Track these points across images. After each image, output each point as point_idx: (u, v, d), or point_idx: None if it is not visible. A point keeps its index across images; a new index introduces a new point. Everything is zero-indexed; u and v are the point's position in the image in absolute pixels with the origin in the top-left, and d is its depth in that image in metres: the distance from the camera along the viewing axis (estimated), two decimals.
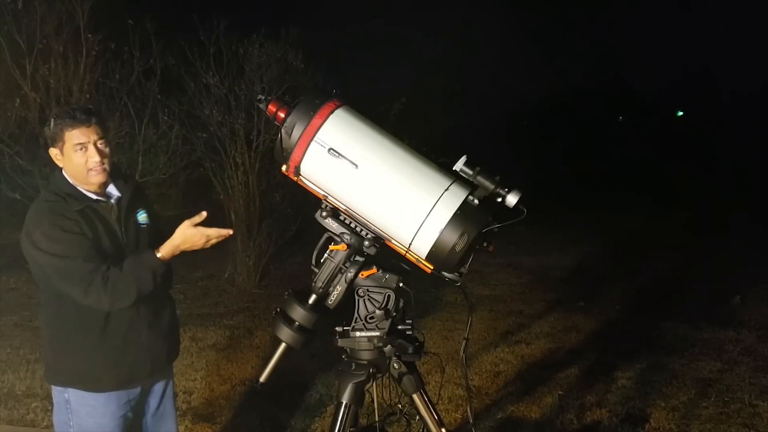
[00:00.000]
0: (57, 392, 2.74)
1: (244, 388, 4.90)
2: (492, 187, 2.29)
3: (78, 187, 2.60)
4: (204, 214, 2.55)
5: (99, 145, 2.57)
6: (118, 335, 2.65)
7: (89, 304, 2.53)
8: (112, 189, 2.67)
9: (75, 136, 2.53)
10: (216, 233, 2.55)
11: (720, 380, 5.18)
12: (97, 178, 2.58)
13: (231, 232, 2.59)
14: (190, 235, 2.53)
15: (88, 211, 2.57)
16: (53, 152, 2.61)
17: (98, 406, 2.68)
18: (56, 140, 2.57)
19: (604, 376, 5.20)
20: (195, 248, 2.57)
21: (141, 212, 2.73)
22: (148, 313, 2.71)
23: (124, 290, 2.51)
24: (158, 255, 2.55)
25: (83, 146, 2.54)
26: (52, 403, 4.56)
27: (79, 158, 2.54)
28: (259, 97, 2.45)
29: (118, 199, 2.67)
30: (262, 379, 2.46)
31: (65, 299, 2.57)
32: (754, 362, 5.53)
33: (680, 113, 27.98)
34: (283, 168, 2.40)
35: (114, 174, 2.67)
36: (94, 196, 2.62)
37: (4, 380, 4.97)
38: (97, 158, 2.55)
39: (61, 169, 2.63)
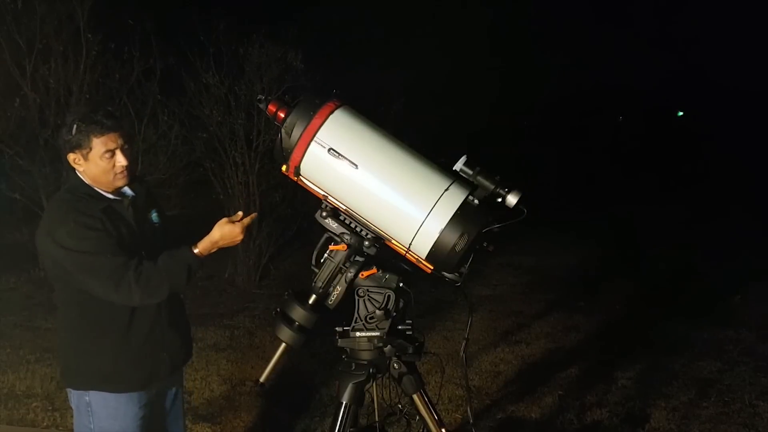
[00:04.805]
0: (76, 396, 2.69)
1: (244, 388, 4.90)
2: (492, 187, 2.29)
3: (95, 188, 2.59)
4: (240, 213, 2.60)
5: (125, 150, 2.56)
6: (141, 335, 2.64)
7: (118, 299, 2.50)
8: (126, 189, 2.66)
9: (103, 142, 2.52)
10: (249, 220, 2.58)
11: (720, 380, 5.18)
12: (122, 181, 2.59)
13: (255, 214, 2.63)
14: (228, 230, 2.54)
15: (109, 210, 2.56)
16: (72, 157, 2.56)
17: (120, 407, 2.65)
18: (81, 146, 2.52)
19: (604, 376, 5.20)
20: (234, 243, 2.58)
21: (153, 212, 2.74)
22: (168, 312, 2.70)
23: (158, 284, 2.49)
24: (195, 251, 2.54)
25: (112, 152, 2.53)
26: (52, 404, 4.57)
27: (107, 163, 2.53)
28: (259, 97, 2.46)
29: (133, 199, 2.66)
30: (262, 379, 2.47)
31: (88, 299, 2.54)
32: (754, 362, 5.52)
33: (680, 113, 27.97)
34: (283, 168, 2.40)
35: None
36: (111, 196, 2.61)
37: (4, 380, 4.97)
38: (124, 162, 2.55)
39: (75, 171, 2.60)
